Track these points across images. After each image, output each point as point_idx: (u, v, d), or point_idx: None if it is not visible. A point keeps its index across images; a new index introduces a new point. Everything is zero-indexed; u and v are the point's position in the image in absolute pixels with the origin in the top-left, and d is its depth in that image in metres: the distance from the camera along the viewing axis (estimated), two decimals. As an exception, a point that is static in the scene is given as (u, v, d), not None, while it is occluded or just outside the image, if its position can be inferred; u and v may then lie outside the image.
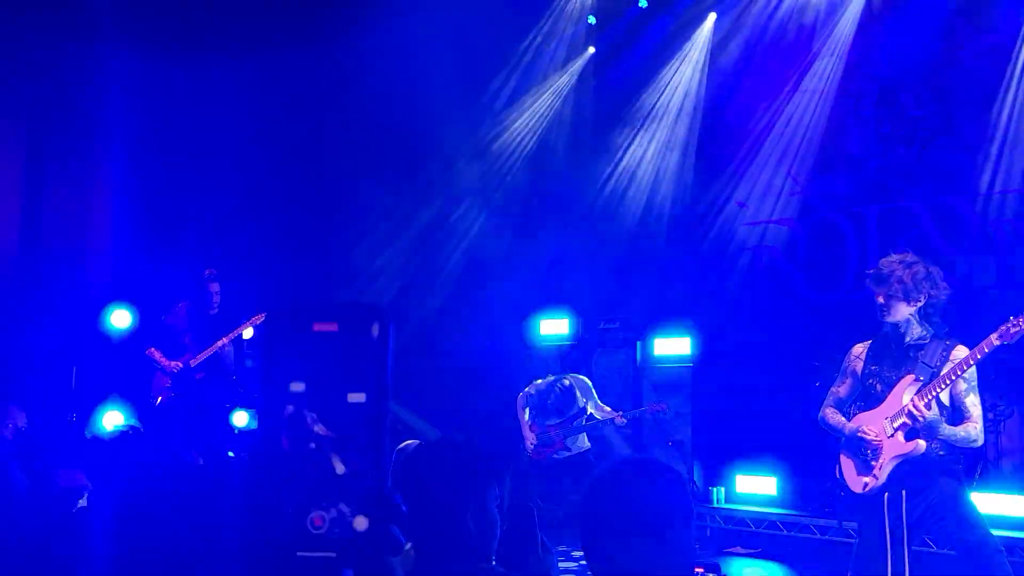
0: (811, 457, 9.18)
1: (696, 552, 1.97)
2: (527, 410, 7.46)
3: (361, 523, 1.23)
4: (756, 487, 8.54)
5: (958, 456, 4.34)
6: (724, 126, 10.49)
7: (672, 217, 10.63)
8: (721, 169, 10.50)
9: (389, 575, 1.42)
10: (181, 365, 7.31)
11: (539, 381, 7.55)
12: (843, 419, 4.61)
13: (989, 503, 7.00)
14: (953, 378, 4.20)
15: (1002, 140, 8.76)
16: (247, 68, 9.08)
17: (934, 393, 4.22)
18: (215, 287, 7.43)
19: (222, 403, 7.50)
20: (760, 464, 9.35)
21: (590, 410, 7.34)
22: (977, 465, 7.56)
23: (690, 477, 8.45)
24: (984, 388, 7.55)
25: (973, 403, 4.29)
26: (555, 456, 7.25)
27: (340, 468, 1.24)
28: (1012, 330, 4.10)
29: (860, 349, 4.64)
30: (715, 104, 10.44)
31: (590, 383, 7.47)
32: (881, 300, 4.35)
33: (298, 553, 1.21)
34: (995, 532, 6.62)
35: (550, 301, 10.27)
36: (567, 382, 7.34)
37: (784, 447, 9.21)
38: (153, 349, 7.41)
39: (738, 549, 8.13)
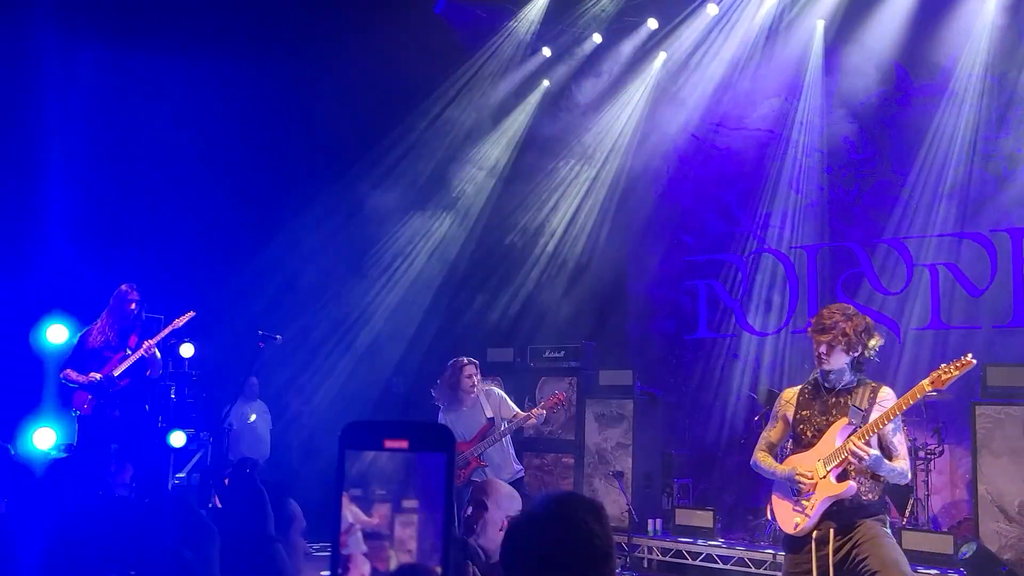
0: (747, 492, 9.27)
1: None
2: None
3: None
4: (694, 519, 8.52)
5: (883, 502, 4.43)
6: (666, 163, 10.58)
7: (615, 247, 10.66)
8: (672, 205, 10.59)
9: None
10: (100, 376, 7.05)
11: None
12: (775, 463, 4.64)
13: (918, 541, 7.06)
14: (888, 420, 4.24)
15: (935, 185, 8.94)
16: (196, 76, 8.90)
17: (872, 433, 4.25)
18: (134, 296, 7.20)
19: (153, 409, 7.22)
20: (699, 497, 9.37)
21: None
22: (907, 503, 7.63)
23: (631, 507, 8.40)
24: (914, 427, 7.77)
25: (900, 441, 4.37)
26: (475, 478, 6.96)
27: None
28: (943, 377, 4.14)
29: (790, 394, 4.68)
30: (657, 143, 10.52)
31: (501, 391, 7.01)
32: (823, 350, 4.39)
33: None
34: (924, 572, 6.74)
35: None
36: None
37: (722, 481, 9.22)
38: (68, 370, 7.13)
39: (674, 581, 8.09)
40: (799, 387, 4.65)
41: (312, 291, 10.18)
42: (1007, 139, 8.62)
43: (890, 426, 4.30)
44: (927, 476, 7.66)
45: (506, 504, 3.40)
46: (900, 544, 7.00)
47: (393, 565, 1.28)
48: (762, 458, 4.68)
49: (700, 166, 10.38)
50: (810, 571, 4.27)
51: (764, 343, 9.79)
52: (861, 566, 4.24)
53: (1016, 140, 8.56)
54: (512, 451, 6.86)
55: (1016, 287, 8.46)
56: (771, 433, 4.71)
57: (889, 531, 4.35)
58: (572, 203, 10.71)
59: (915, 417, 7.85)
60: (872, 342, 4.38)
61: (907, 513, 7.64)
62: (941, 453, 7.73)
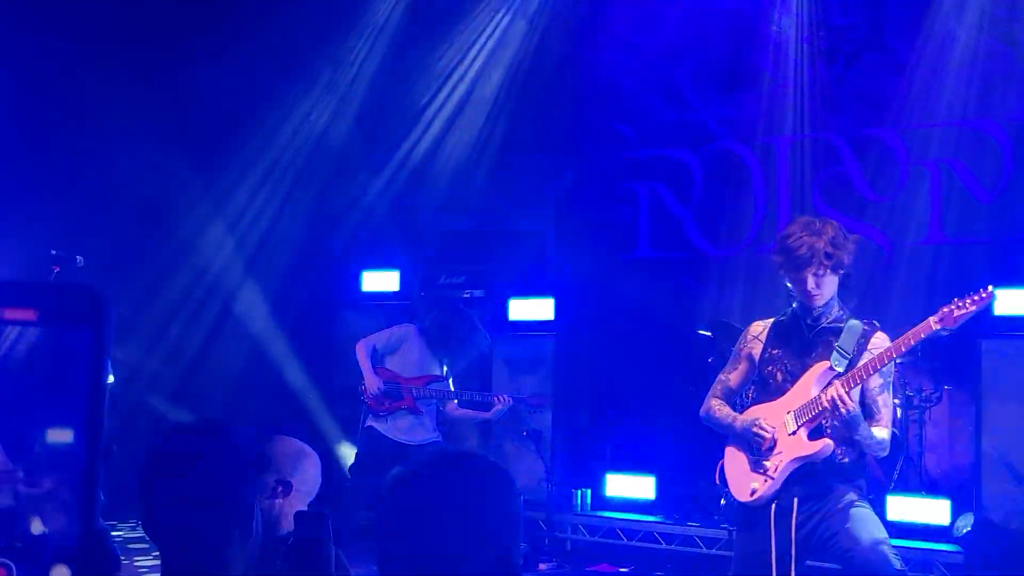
0: (699, 453, 9.40)
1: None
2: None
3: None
4: (630, 489, 8.63)
5: (864, 465, 4.49)
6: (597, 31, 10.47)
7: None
8: (606, 84, 10.50)
9: None
10: None
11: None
12: (732, 412, 4.67)
13: (909, 508, 7.28)
14: (881, 365, 4.28)
15: (939, 62, 9.02)
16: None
17: (856, 382, 4.29)
18: None
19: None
20: (636, 461, 9.49)
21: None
22: (896, 463, 7.84)
23: (549, 477, 8.46)
24: (907, 369, 7.94)
25: (886, 403, 4.44)
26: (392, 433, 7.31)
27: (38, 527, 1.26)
28: (956, 313, 4.17)
29: (759, 328, 4.70)
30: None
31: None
32: (811, 285, 4.40)
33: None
34: (915, 544, 6.97)
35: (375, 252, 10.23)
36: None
37: (667, 439, 9.34)
38: None
39: (604, 566, 8.20)
40: (770, 320, 4.67)
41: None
42: (1028, -1, 8.72)
43: (877, 380, 4.38)
44: (920, 429, 7.87)
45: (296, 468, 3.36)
46: (886, 514, 7.24)
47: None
48: (716, 407, 4.73)
49: (642, 35, 10.27)
50: (768, 551, 4.32)
51: (723, 264, 9.86)
52: (831, 543, 4.32)
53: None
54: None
55: (1034, 190, 8.66)
56: (730, 376, 4.76)
57: (866, 501, 4.43)
58: (465, 79, 10.54)
59: (907, 356, 8.01)
60: (852, 245, 4.45)
61: (895, 475, 7.86)
62: (939, 400, 7.94)
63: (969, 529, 6.63)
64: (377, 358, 7.48)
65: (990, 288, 4.18)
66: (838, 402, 4.24)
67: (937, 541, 7.01)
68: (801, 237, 4.39)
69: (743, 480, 4.52)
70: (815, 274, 4.38)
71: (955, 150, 8.98)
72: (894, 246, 9.10)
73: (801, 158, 9.66)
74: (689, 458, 9.38)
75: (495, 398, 7.53)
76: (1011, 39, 8.79)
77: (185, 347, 10.16)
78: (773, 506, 4.39)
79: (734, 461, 4.61)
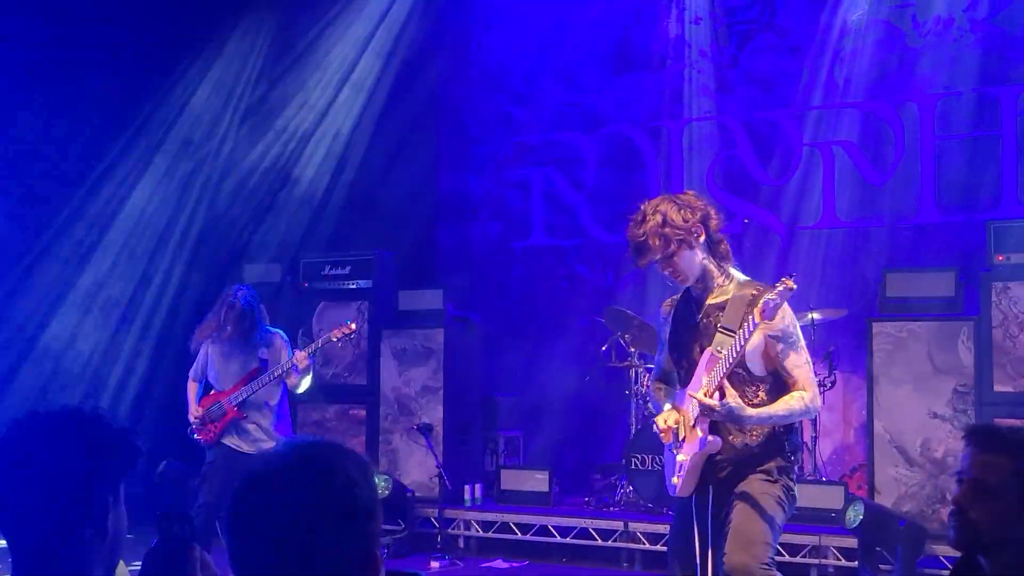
0: (594, 445, 9.36)
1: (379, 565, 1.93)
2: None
3: None
4: (524, 483, 8.53)
5: (779, 446, 4.23)
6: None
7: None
8: (496, 65, 10.40)
9: None
10: None
11: None
12: (662, 399, 4.61)
13: (803, 494, 7.22)
14: (739, 350, 4.07)
15: (833, 44, 9.05)
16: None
17: (721, 375, 4.11)
18: None
19: None
20: (530, 454, 9.38)
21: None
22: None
23: (443, 471, 8.30)
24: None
25: (795, 364, 4.18)
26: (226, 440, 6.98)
27: None
28: (772, 304, 3.96)
29: (667, 308, 4.57)
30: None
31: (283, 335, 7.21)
32: (667, 270, 4.25)
33: None
34: (812, 536, 6.94)
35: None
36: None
37: (562, 431, 9.26)
38: None
39: (499, 562, 8.10)
40: (677, 298, 4.54)
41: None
42: (919, -20, 8.78)
43: (778, 346, 4.17)
44: (815, 416, 7.84)
45: None
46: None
47: None
48: (655, 390, 4.68)
49: (532, 14, 10.19)
50: (692, 538, 4.26)
51: (618, 251, 9.78)
52: (727, 532, 4.22)
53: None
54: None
55: (925, 173, 8.72)
56: (661, 358, 4.67)
57: (781, 485, 4.20)
58: (346, 55, 10.34)
59: (809, 336, 8.00)
60: (713, 211, 4.30)
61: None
62: (833, 384, 7.94)
63: (861, 517, 6.60)
64: (205, 385, 7.17)
65: (791, 278, 3.93)
66: (705, 403, 4.11)
67: (831, 527, 6.97)
68: (631, 231, 4.25)
69: (669, 471, 4.43)
70: (659, 261, 4.23)
71: (849, 133, 9.04)
72: (789, 230, 9.12)
73: (695, 141, 9.65)
74: (584, 450, 9.35)
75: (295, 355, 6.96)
76: (903, 21, 8.84)
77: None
78: (693, 498, 4.31)
79: (666, 451, 4.51)
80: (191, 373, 7.24)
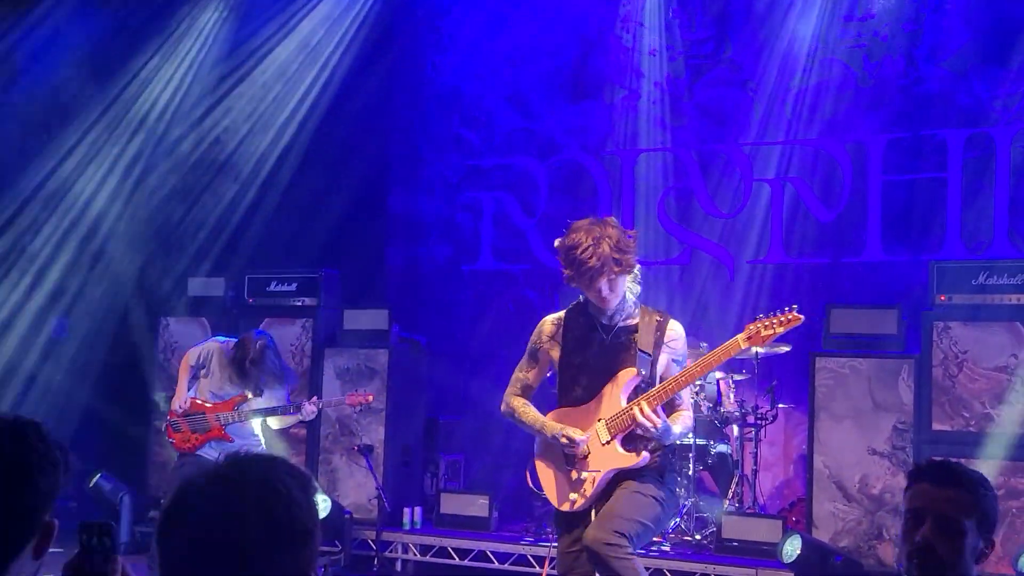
0: (535, 471, 9.33)
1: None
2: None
3: None
4: (465, 507, 8.50)
5: (666, 454, 4.55)
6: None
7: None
8: (450, 89, 10.42)
9: None
10: None
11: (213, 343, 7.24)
12: (539, 417, 4.61)
13: (742, 529, 7.29)
14: (684, 385, 4.39)
15: (782, 79, 9.17)
16: None
17: (662, 398, 4.29)
18: None
19: None
20: (471, 479, 9.34)
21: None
22: (731, 482, 7.86)
23: (382, 493, 8.26)
24: (743, 387, 8.00)
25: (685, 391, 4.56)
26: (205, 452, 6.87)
27: None
28: (764, 333, 4.28)
29: (552, 328, 4.64)
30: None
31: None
32: (605, 290, 4.35)
33: None
34: (745, 569, 6.98)
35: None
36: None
37: (503, 457, 9.22)
38: None
39: (437, 588, 8.08)
40: (562, 314, 4.60)
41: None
42: (871, 21, 8.91)
43: (676, 368, 4.46)
44: (756, 447, 7.92)
45: None
46: (720, 533, 7.25)
47: None
48: (520, 407, 4.65)
49: (486, 38, 10.22)
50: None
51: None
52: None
53: (881, 22, 8.86)
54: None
55: (871, 212, 8.84)
56: (528, 374, 4.69)
57: (661, 483, 4.43)
58: (298, 66, 10.32)
59: (745, 372, 8.08)
60: (634, 243, 4.46)
61: (731, 494, 7.89)
62: (774, 418, 8.00)
63: (798, 552, 6.65)
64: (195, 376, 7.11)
65: (794, 308, 4.25)
66: (646, 424, 4.25)
67: (768, 560, 7.01)
68: (588, 248, 4.31)
69: (561, 490, 4.50)
70: (609, 280, 4.33)
71: (798, 169, 9.13)
72: (736, 263, 9.19)
73: (647, 171, 9.71)
74: (524, 476, 9.31)
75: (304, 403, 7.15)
76: (852, 59, 8.97)
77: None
78: (593, 512, 4.38)
79: (548, 468, 4.60)
80: (194, 360, 7.12)
